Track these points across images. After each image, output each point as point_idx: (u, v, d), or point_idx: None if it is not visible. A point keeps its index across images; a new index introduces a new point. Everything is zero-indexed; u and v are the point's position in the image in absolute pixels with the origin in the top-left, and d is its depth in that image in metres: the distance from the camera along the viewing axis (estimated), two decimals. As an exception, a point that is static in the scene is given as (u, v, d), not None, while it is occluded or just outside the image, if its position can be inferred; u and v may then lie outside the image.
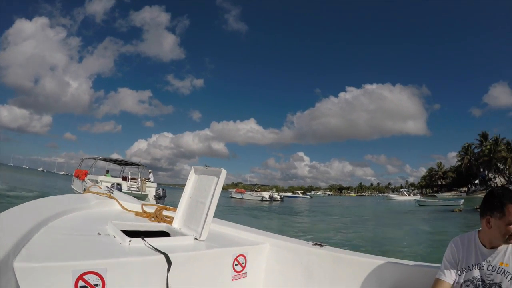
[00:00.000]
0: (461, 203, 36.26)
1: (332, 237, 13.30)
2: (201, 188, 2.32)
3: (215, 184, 2.19)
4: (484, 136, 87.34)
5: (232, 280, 2.07)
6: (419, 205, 42.05)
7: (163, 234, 2.26)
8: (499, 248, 1.69)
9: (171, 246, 1.86)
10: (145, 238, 1.82)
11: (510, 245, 1.68)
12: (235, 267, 2.10)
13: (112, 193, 3.34)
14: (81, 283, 1.36)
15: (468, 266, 1.76)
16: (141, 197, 19.93)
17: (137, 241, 1.79)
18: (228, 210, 26.51)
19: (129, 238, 1.78)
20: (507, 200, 1.60)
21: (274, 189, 63.08)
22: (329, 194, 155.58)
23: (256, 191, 52.53)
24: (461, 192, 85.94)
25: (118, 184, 19.41)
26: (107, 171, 25.16)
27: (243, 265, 2.15)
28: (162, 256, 1.67)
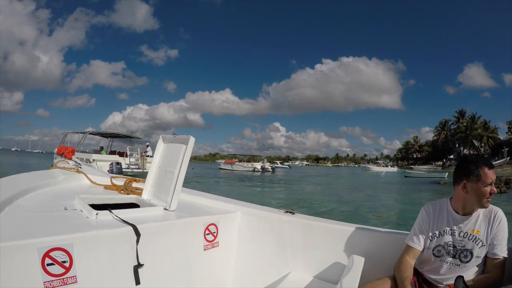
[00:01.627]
0: (446, 176, 37.11)
1: (333, 207, 13.37)
2: (169, 157, 2.26)
3: (184, 152, 2.13)
4: (461, 114, 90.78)
5: (204, 250, 2.06)
6: (405, 176, 42.64)
7: (133, 206, 2.20)
8: (471, 215, 1.75)
9: (139, 217, 1.83)
10: (113, 211, 1.77)
11: (481, 213, 1.74)
12: (207, 236, 2.08)
13: (81, 167, 3.24)
14: (47, 260, 1.31)
15: (440, 232, 1.81)
16: (143, 175, 18.60)
17: (104, 214, 1.74)
18: (224, 181, 25.96)
19: (96, 211, 1.73)
20: (482, 164, 1.67)
21: (265, 159, 62.46)
22: (306, 164, 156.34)
23: (247, 161, 51.66)
24: (436, 165, 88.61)
25: (118, 163, 18.23)
26: (102, 148, 23.00)
27: (215, 234, 2.14)
28: (131, 227, 1.63)
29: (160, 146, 2.39)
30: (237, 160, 53.25)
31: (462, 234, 1.75)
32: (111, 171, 16.58)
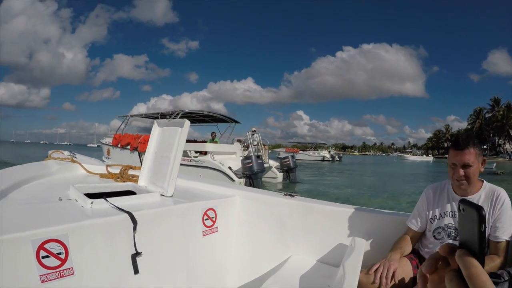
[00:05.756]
0: (494, 167, 35.76)
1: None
2: (165, 142, 2.25)
3: (179, 135, 2.12)
4: (496, 101, 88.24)
5: (203, 235, 2.06)
6: None
7: (129, 193, 2.21)
8: (472, 196, 1.75)
9: (136, 204, 1.83)
10: (108, 199, 1.77)
11: (483, 194, 1.74)
12: (205, 222, 2.09)
13: (75, 157, 3.24)
14: (42, 253, 1.28)
15: (440, 214, 1.84)
16: (265, 170, 13.69)
17: (99, 202, 1.74)
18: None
19: (91, 200, 1.72)
20: (451, 145, 1.75)
21: (332, 148, 60.39)
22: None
23: (314, 149, 50.56)
24: None
25: (258, 156, 12.80)
26: (214, 135, 15.80)
27: (213, 219, 2.14)
28: (127, 215, 1.62)
29: (155, 131, 2.38)
30: (298, 149, 52.45)
31: None
32: (248, 169, 11.97)
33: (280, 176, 14.53)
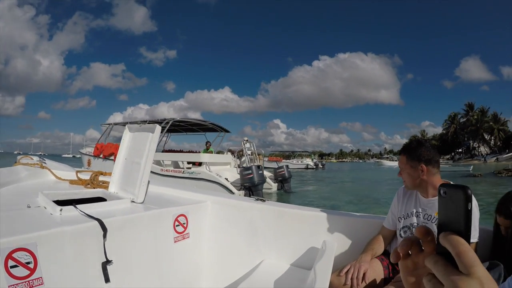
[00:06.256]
0: (471, 169, 36.65)
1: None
2: (135, 147, 2.24)
3: (150, 141, 2.11)
4: (470, 106, 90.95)
5: (175, 242, 2.05)
6: None
7: (99, 200, 2.18)
8: (435, 198, 1.81)
9: (106, 211, 1.81)
10: (78, 206, 1.74)
11: None
12: (176, 228, 2.07)
13: (45, 163, 3.13)
14: (11, 262, 1.24)
15: (408, 213, 1.92)
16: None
17: (69, 210, 1.70)
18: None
19: (60, 207, 1.68)
20: None
21: (314, 155, 59.69)
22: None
23: (295, 158, 50.51)
24: (447, 159, 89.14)
25: (258, 166, 12.12)
26: (209, 144, 15.12)
27: (185, 225, 2.13)
28: (96, 222, 1.59)
29: (126, 136, 2.36)
30: (281, 157, 52.42)
31: (426, 216, 1.84)
32: (248, 180, 11.32)
33: (274, 186, 14.19)
